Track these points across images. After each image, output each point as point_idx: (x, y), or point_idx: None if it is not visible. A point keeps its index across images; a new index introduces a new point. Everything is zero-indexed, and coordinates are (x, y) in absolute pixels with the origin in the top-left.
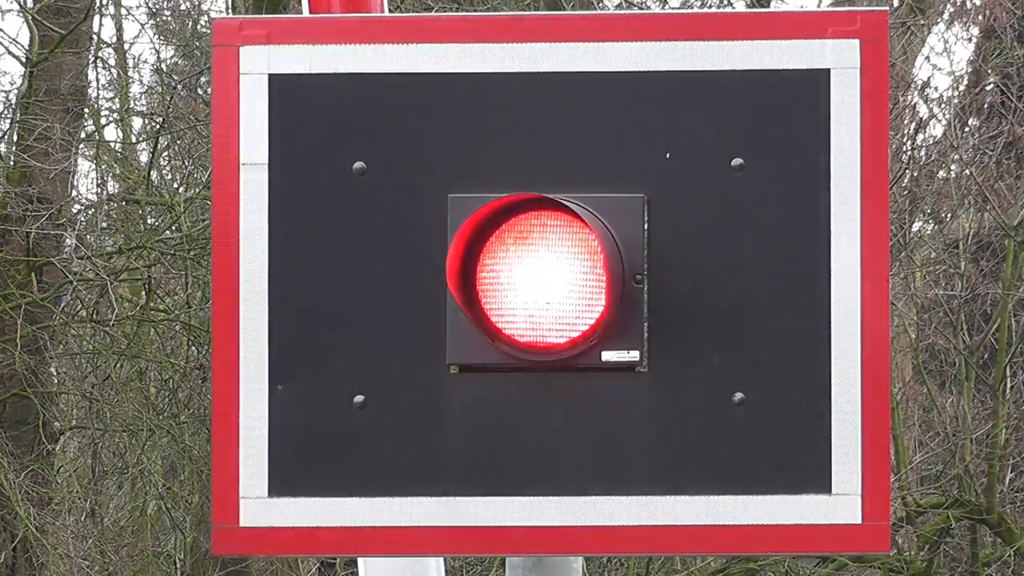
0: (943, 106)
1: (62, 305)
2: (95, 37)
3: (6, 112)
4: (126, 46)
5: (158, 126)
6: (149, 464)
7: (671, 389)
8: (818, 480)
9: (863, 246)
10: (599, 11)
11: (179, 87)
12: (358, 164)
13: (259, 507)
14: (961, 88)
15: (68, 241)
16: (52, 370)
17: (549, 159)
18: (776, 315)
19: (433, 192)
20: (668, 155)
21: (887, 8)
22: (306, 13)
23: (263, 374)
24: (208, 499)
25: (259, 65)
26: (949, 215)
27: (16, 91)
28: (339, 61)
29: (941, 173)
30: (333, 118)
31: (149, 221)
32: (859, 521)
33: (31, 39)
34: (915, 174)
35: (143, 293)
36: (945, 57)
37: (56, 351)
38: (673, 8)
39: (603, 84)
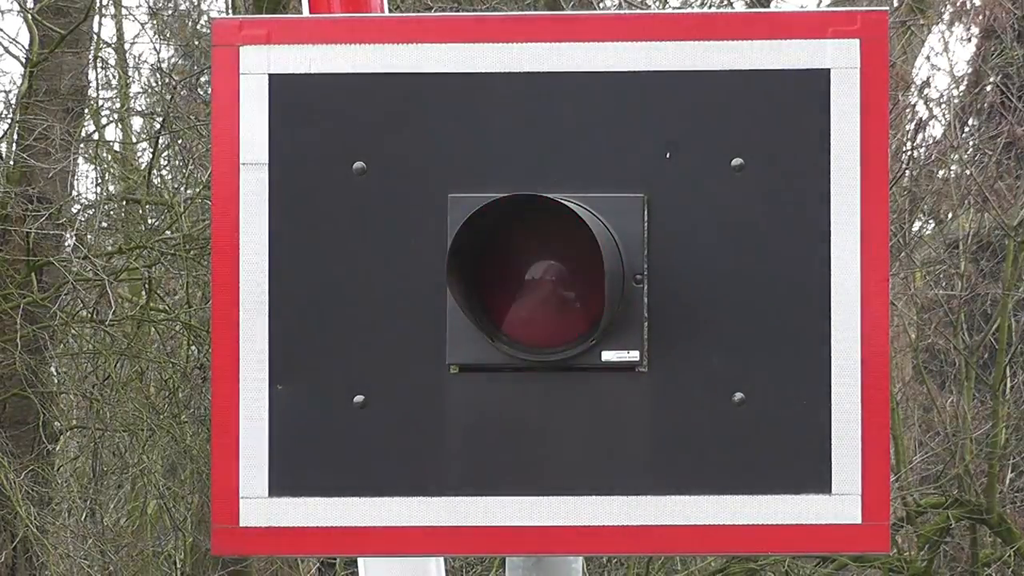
0: (943, 106)
1: (57, 304)
2: (95, 37)
3: (6, 112)
4: (126, 46)
5: (158, 126)
6: (149, 464)
7: (671, 389)
8: (818, 480)
9: (863, 246)
10: (599, 11)
11: (179, 87)
12: (358, 164)
13: (259, 507)
14: (961, 88)
15: (68, 241)
16: (52, 370)
17: (549, 159)
18: (776, 315)
19: (433, 192)
20: (668, 155)
21: (887, 8)
22: (306, 13)
23: (263, 374)
24: (208, 499)
25: (259, 65)
26: (949, 215)
27: (16, 91)
28: (339, 61)
29: (941, 173)
30: (333, 118)
31: (149, 221)
32: (859, 521)
33: (31, 39)
34: (915, 174)
35: (143, 293)
36: (945, 57)
37: (56, 351)
38: (674, 8)
39: (604, 84)
